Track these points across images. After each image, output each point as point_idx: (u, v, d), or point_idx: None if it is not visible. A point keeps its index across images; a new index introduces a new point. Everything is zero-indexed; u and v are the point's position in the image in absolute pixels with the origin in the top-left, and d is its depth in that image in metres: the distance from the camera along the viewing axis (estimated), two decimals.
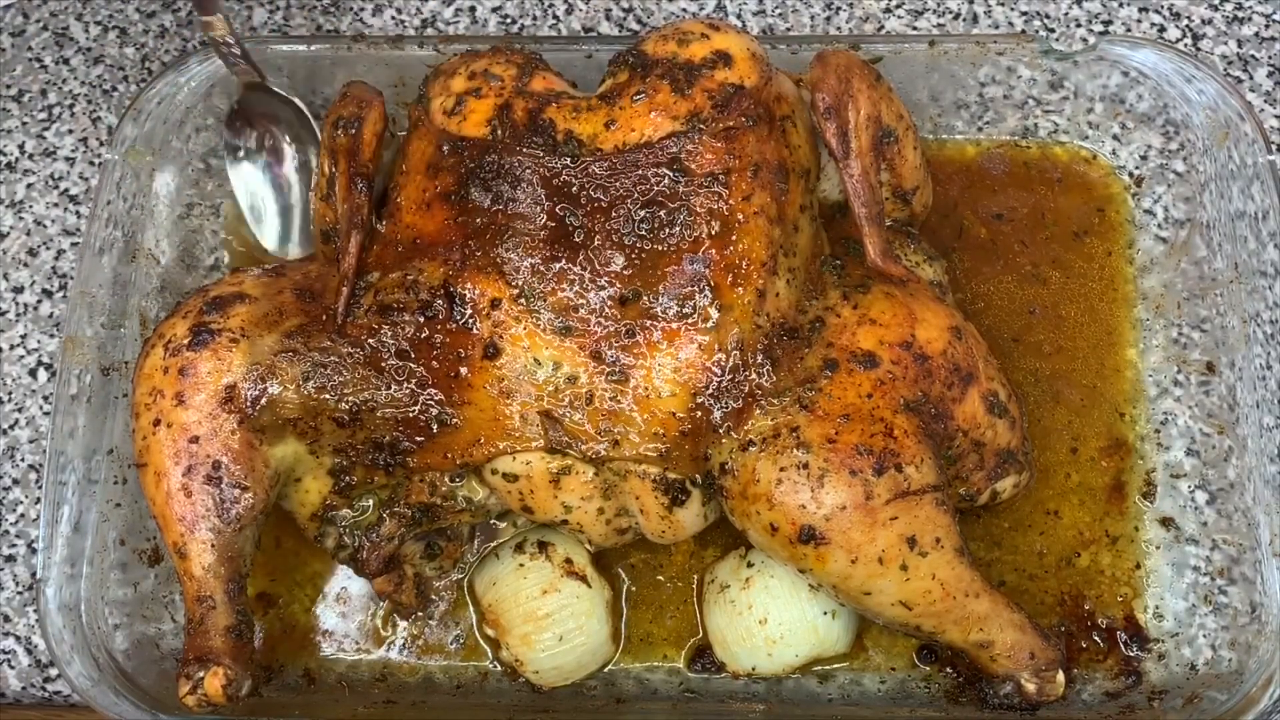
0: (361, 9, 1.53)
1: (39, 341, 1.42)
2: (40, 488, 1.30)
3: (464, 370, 1.12)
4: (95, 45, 1.53)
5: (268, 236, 1.39)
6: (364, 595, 1.30)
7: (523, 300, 1.12)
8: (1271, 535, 1.18)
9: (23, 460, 1.38)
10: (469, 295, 1.13)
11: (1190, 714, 1.18)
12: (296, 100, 1.37)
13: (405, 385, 1.13)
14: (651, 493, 1.14)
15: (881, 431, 1.09)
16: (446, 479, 1.18)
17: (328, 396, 1.14)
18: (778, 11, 1.50)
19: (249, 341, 1.14)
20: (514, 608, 1.23)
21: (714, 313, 1.11)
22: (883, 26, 1.49)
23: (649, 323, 1.11)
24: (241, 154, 1.39)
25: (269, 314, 1.16)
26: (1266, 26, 1.48)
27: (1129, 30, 1.48)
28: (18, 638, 1.33)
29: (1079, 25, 1.48)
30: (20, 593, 1.34)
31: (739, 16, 1.50)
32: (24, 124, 1.50)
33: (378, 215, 1.21)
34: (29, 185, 1.48)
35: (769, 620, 1.20)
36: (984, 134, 1.42)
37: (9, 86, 1.52)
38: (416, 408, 1.13)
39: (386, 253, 1.18)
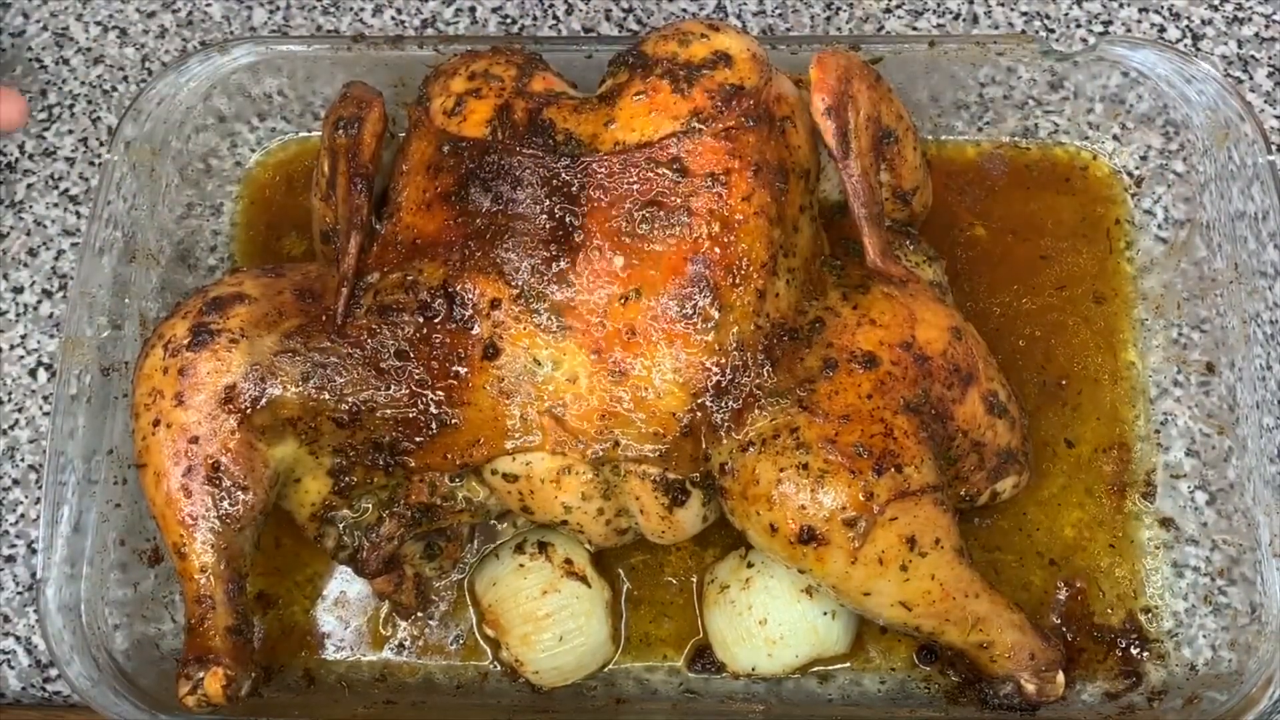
0: (361, 9, 1.53)
1: (39, 341, 1.42)
2: (40, 488, 1.30)
3: (464, 370, 1.12)
4: (95, 45, 1.53)
5: None
6: (364, 596, 1.30)
7: (522, 300, 1.12)
8: (1271, 535, 1.18)
9: (23, 460, 1.38)
10: (469, 295, 1.12)
11: (1190, 714, 1.18)
12: None
13: (405, 385, 1.13)
14: (651, 493, 1.14)
15: (881, 432, 1.09)
16: (446, 479, 1.18)
17: (327, 397, 1.14)
18: (778, 11, 1.50)
19: (249, 342, 1.14)
20: (514, 608, 1.23)
21: (714, 313, 1.11)
22: (883, 26, 1.49)
23: (649, 323, 1.11)
24: None
25: (269, 314, 1.16)
26: (1266, 26, 1.48)
27: (1129, 30, 1.47)
28: (18, 638, 1.33)
29: (1079, 25, 1.48)
30: (20, 593, 1.34)
31: (739, 17, 1.50)
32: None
33: (377, 215, 1.21)
34: (29, 185, 1.48)
35: (769, 620, 1.20)
36: (984, 134, 1.42)
37: (8, 87, 1.51)
38: (416, 408, 1.13)
39: (386, 253, 1.18)
